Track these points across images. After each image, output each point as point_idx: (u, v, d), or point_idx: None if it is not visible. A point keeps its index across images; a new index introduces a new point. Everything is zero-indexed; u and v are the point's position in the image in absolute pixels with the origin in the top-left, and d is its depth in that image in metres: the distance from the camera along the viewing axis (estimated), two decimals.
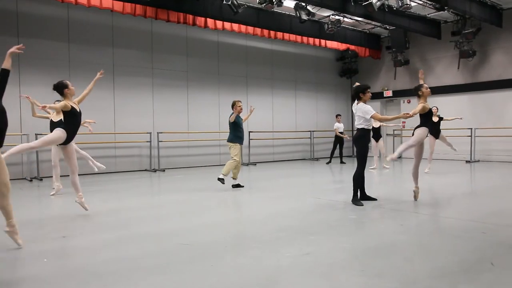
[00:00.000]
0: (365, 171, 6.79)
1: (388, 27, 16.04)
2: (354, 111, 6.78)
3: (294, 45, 16.63)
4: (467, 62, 15.14)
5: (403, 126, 16.86)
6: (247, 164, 14.73)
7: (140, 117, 12.97)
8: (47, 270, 3.81)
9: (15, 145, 5.66)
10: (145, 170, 12.93)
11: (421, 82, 6.99)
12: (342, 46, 16.45)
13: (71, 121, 5.90)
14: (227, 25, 13.10)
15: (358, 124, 6.62)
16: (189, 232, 5.14)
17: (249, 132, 15.02)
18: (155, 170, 12.72)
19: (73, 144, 6.08)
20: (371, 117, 6.48)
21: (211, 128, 14.53)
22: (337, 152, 15.07)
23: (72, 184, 6.16)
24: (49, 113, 8.07)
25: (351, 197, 6.82)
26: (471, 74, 15.34)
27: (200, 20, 12.47)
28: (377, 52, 17.70)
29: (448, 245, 4.50)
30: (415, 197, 6.91)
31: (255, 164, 14.77)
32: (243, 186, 9.04)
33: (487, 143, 14.76)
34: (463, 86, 15.47)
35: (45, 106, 5.59)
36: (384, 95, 17.69)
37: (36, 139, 9.80)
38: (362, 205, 6.53)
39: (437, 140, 10.98)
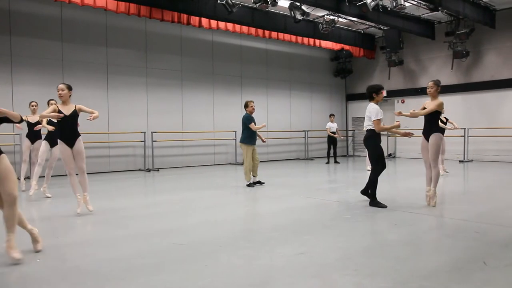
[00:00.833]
0: (380, 173, 6.49)
1: (382, 27, 16.09)
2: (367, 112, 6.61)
3: (288, 44, 16.64)
4: (461, 62, 15.22)
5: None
6: (242, 164, 14.70)
7: (134, 116, 12.93)
8: (40, 271, 3.79)
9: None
10: (139, 169, 12.89)
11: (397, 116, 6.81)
12: (336, 46, 16.48)
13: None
14: (222, 24, 13.08)
15: (367, 125, 6.49)
16: (183, 232, 5.13)
17: None
18: (149, 170, 12.69)
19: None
20: (372, 121, 6.32)
21: (206, 128, 14.53)
22: (332, 152, 15.10)
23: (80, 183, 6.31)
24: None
25: (370, 200, 6.58)
26: (465, 75, 15.43)
27: (195, 20, 12.45)
28: (371, 52, 17.75)
29: (441, 244, 4.51)
30: (429, 202, 6.54)
31: None
32: (263, 183, 9.14)
33: (480, 143, 14.85)
34: (456, 86, 15.54)
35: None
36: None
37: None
38: (386, 206, 6.32)
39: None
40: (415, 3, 13.13)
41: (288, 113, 17.06)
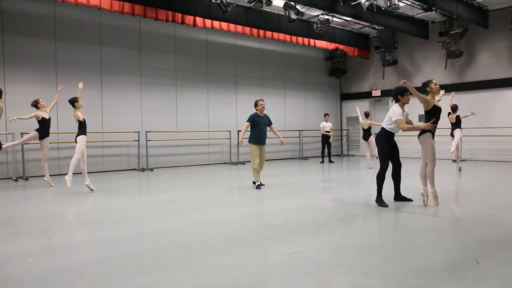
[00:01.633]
0: (385, 171, 6.47)
1: (376, 27, 16.16)
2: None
3: (283, 44, 16.66)
4: (454, 62, 15.31)
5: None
6: (236, 163, 14.73)
7: (128, 116, 12.89)
8: (32, 271, 3.77)
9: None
10: (133, 169, 12.85)
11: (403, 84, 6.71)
12: (331, 46, 16.52)
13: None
14: (216, 24, 13.08)
15: (384, 122, 6.52)
16: (177, 232, 5.13)
17: (238, 131, 15.02)
18: (143, 170, 12.66)
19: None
20: (396, 121, 6.26)
21: (200, 127, 14.52)
22: (326, 151, 15.15)
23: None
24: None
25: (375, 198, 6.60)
26: (458, 74, 15.52)
27: (189, 19, 12.44)
28: (366, 52, 17.81)
29: (435, 243, 4.55)
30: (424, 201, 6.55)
31: (244, 163, 14.77)
32: (264, 185, 8.92)
33: (473, 142, 14.96)
34: (450, 86, 15.58)
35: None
36: (373, 95, 17.81)
37: (22, 137, 9.69)
38: (387, 206, 6.35)
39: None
40: (409, 3, 13.19)
41: (282, 113, 17.08)
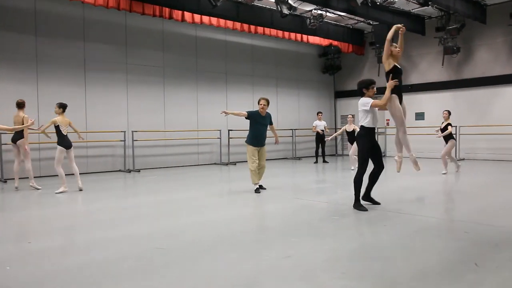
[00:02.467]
0: (363, 175, 6.38)
1: (371, 22, 16.21)
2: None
3: (275, 40, 16.66)
4: (452, 58, 15.41)
5: (387, 124, 17.07)
6: (227, 164, 14.70)
7: (113, 115, 12.81)
8: (10, 279, 3.72)
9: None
10: (119, 170, 12.78)
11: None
12: (324, 42, 16.55)
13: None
14: (205, 19, 13.04)
15: (360, 121, 6.43)
16: (165, 235, 5.10)
17: (229, 130, 15.01)
18: (129, 171, 12.59)
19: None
20: (371, 106, 6.19)
21: (189, 126, 14.47)
22: (320, 151, 15.19)
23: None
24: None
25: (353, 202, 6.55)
26: (455, 71, 15.63)
27: (177, 14, 12.38)
28: (361, 48, 17.87)
29: (431, 245, 4.56)
30: (398, 168, 6.60)
31: (235, 164, 14.76)
32: (265, 189, 8.55)
33: (471, 141, 15.07)
34: (447, 83, 15.74)
35: None
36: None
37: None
38: (366, 210, 6.27)
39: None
40: None
41: (275, 111, 17.04)
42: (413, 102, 16.02)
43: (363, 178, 6.38)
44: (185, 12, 12.44)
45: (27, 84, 11.29)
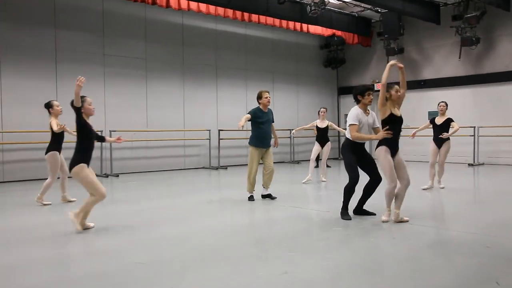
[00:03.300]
0: (355, 184, 6.37)
1: (379, 10, 16.23)
2: None
3: (271, 29, 16.64)
4: (470, 51, 15.42)
5: None
6: (217, 168, 14.64)
7: None
8: None
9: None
10: (95, 175, 12.66)
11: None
12: (327, 32, 16.54)
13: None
14: (193, 5, 12.99)
15: (346, 132, 6.54)
16: (145, 248, 5.05)
17: (219, 130, 14.96)
18: (106, 175, 12.50)
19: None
20: (351, 135, 6.30)
21: (175, 126, 14.40)
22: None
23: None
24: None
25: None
26: (474, 65, 15.65)
27: None
28: (367, 38, 17.88)
29: (447, 261, 4.53)
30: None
31: (226, 168, 14.71)
32: (275, 198, 8.33)
33: (492, 143, 15.07)
34: (465, 79, 15.74)
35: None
36: (375, 89, 17.88)
37: None
38: (350, 219, 6.41)
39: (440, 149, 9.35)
40: None
41: (271, 109, 17.03)
42: (426, 100, 16.04)
43: (355, 188, 6.42)
44: None
45: None
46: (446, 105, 9.52)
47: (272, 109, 8.65)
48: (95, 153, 12.55)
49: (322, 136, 11.33)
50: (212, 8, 13.42)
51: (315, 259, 4.55)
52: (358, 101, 6.46)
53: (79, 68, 12.59)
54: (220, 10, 13.64)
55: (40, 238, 5.67)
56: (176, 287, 3.78)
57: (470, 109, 15.32)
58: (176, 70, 14.62)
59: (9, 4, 11.48)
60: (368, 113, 6.48)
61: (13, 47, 11.53)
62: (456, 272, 4.14)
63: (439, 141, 9.29)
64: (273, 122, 8.51)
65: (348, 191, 6.48)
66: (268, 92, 8.32)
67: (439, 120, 9.36)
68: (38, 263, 4.59)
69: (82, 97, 6.38)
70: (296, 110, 18.00)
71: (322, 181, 11.04)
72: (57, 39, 12.22)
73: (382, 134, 6.01)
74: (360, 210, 6.72)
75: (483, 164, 14.94)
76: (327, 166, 15.05)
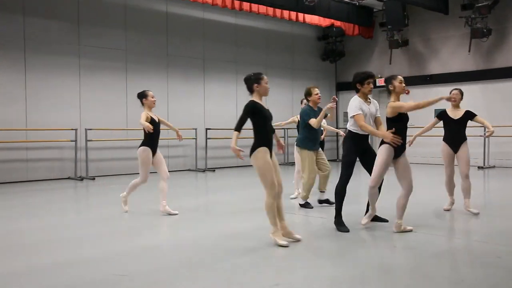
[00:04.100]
0: (346, 184, 6.32)
1: None
2: None
3: (264, 19, 16.64)
4: (480, 43, 15.50)
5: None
6: (204, 170, 14.61)
7: (61, 109, 12.63)
8: None
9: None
10: (68, 178, 12.61)
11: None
12: (325, 22, 16.57)
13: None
14: None
15: (348, 124, 6.55)
16: (124, 259, 5.03)
17: (206, 129, 14.92)
18: (81, 178, 12.42)
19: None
20: (354, 117, 6.27)
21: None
22: None
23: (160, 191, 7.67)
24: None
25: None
26: (485, 59, 15.72)
27: None
28: (369, 29, 17.93)
29: (453, 272, 4.54)
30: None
31: (214, 170, 14.68)
32: (333, 203, 7.75)
33: (503, 144, 15.15)
34: (475, 74, 15.81)
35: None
36: (377, 84, 17.91)
37: None
38: (347, 230, 6.21)
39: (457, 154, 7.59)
40: None
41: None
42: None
43: (347, 189, 6.36)
44: None
45: None
46: (461, 93, 7.92)
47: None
48: (68, 154, 12.61)
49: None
50: None
51: (310, 270, 4.54)
52: (357, 90, 6.43)
53: (51, 59, 12.55)
54: None
55: (10, 247, 5.62)
56: None
57: (480, 106, 15.31)
58: (160, 63, 14.56)
59: None
60: (370, 102, 6.44)
61: None
62: (463, 284, 4.14)
63: (456, 142, 7.50)
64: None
65: (340, 193, 6.34)
66: (318, 88, 8.46)
67: (455, 114, 7.66)
68: (6, 276, 4.54)
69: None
70: (291, 107, 17.98)
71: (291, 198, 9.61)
72: (26, 27, 12.09)
73: (389, 136, 5.91)
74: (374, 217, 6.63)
75: (494, 167, 15.02)
76: None
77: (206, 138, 14.93)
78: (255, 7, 14.63)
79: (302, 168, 8.26)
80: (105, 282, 4.25)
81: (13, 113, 11.73)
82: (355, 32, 17.39)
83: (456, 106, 7.73)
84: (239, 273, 4.48)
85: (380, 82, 17.85)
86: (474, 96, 15.59)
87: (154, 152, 7.70)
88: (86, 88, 13.11)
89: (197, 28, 15.39)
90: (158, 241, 5.83)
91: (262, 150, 5.58)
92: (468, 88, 15.79)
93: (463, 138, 7.52)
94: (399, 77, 6.31)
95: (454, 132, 7.53)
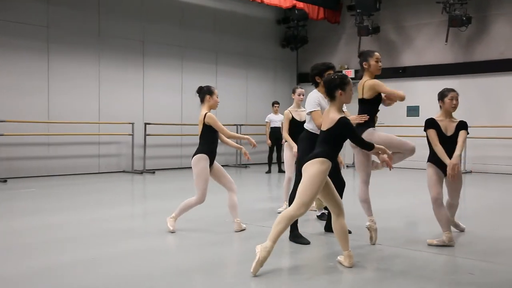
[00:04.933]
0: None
1: None
2: None
3: None
4: (459, 32, 15.78)
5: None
6: (141, 172, 14.46)
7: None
8: None
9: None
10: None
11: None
12: (285, 3, 16.63)
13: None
14: None
15: (306, 122, 6.54)
16: (59, 272, 4.96)
17: (145, 124, 14.74)
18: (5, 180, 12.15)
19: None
20: (311, 114, 6.29)
21: (86, 116, 14.08)
22: (274, 156, 15.20)
23: (230, 207, 7.14)
24: None
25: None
26: (464, 50, 16.07)
27: None
28: (335, 13, 18.12)
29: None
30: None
31: (154, 172, 14.56)
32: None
33: (482, 147, 15.52)
34: (452, 67, 16.09)
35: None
36: (347, 77, 18.10)
37: None
38: (308, 243, 6.20)
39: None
40: None
41: None
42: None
43: None
44: None
45: None
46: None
47: None
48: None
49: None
50: None
51: None
52: (316, 84, 6.48)
53: (14, 41, 12.78)
54: None
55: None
56: None
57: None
58: (90, 43, 14.28)
59: None
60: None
61: None
62: None
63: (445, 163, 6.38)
64: None
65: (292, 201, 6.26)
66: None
67: (447, 127, 6.73)
68: None
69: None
70: (244, 101, 18.02)
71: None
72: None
73: (354, 118, 6.03)
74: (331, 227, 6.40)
75: (471, 172, 15.34)
76: (282, 171, 15.15)
77: (145, 135, 14.80)
78: None
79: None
80: None
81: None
82: (319, 15, 17.53)
83: (450, 114, 6.84)
84: None
85: (347, 73, 18.10)
86: None
87: (211, 162, 7.28)
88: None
89: (135, 3, 15.23)
90: (95, 254, 5.73)
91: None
92: (444, 83, 15.96)
93: (454, 148, 6.45)
94: (376, 54, 6.42)
95: (447, 151, 6.41)
